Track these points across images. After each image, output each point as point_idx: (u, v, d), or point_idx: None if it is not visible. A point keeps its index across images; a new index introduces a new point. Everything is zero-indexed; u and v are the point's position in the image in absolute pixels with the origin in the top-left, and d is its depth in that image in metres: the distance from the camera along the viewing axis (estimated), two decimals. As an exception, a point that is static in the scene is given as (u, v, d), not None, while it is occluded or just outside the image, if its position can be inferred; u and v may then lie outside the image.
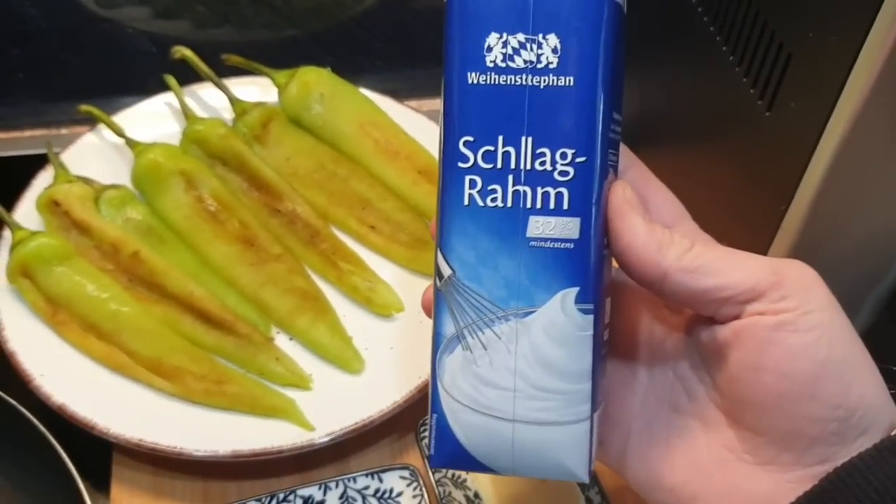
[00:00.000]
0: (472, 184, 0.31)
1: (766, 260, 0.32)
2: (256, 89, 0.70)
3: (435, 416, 0.33)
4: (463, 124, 0.31)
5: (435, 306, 0.32)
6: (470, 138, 0.31)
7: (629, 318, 0.37)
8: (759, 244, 0.51)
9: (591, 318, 0.31)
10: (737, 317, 0.31)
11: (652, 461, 0.35)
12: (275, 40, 0.78)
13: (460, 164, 0.31)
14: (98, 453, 0.55)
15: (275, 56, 0.70)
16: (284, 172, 0.65)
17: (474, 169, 0.31)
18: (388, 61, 0.78)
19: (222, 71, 0.68)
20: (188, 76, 0.68)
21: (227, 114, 0.68)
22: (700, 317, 0.34)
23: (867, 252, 0.50)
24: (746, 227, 0.54)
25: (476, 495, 0.52)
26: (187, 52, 0.67)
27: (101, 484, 0.55)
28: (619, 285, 0.35)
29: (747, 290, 0.31)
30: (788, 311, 0.30)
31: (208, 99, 0.70)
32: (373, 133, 0.66)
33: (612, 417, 0.36)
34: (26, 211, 0.62)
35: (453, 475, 0.53)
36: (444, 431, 0.33)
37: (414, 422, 0.55)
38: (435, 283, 0.32)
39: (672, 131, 0.67)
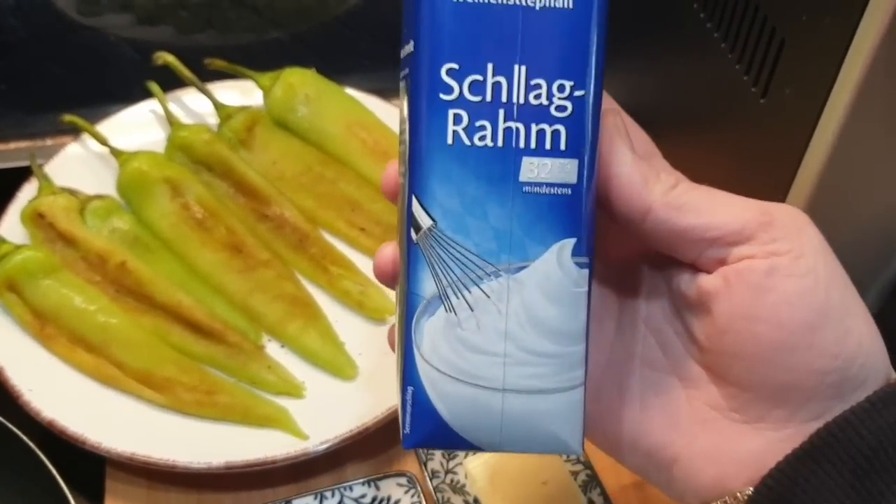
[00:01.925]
0: (457, 119, 0.27)
1: (755, 202, 0.29)
2: (241, 93, 0.68)
3: (410, 388, 0.29)
4: (446, 49, 0.27)
5: (409, 263, 0.28)
6: (454, 66, 0.27)
7: (600, 262, 0.33)
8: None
9: (586, 272, 0.28)
10: (722, 261, 0.29)
11: (625, 422, 0.32)
12: (259, 43, 0.77)
13: (443, 96, 0.27)
14: (91, 467, 0.54)
15: (260, 59, 0.69)
16: (271, 176, 0.64)
17: (459, 101, 0.27)
18: (375, 60, 0.77)
19: (206, 76, 0.67)
20: (172, 82, 0.67)
21: (213, 119, 0.67)
22: (678, 264, 0.31)
23: (869, 240, 0.49)
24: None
25: (476, 500, 0.51)
26: (170, 58, 0.66)
27: (95, 499, 0.54)
28: None
29: (735, 231, 0.29)
30: (781, 255, 0.28)
31: (193, 105, 0.69)
32: (360, 133, 0.65)
33: None
34: (11, 224, 0.61)
35: (451, 480, 0.52)
36: (422, 406, 0.29)
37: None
38: (408, 236, 0.28)
39: (662, 121, 0.66)
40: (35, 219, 0.60)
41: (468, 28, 0.26)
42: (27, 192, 0.64)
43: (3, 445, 0.51)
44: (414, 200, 0.28)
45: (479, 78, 0.27)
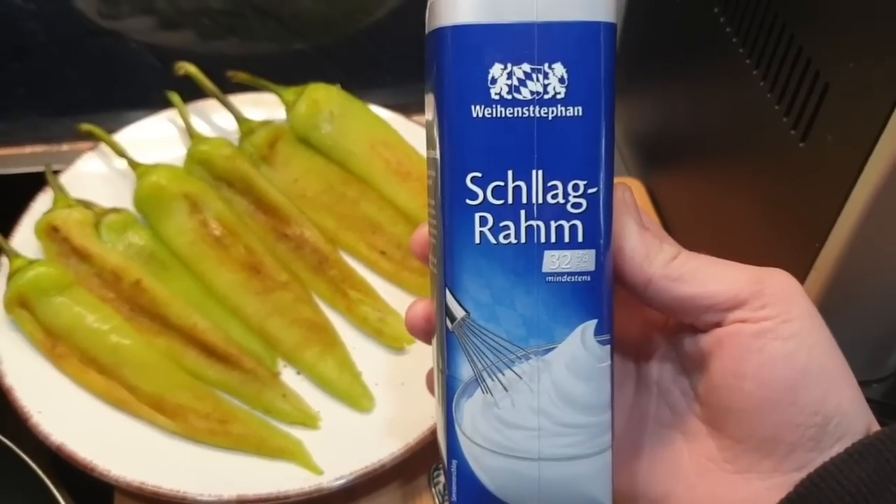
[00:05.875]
0: (483, 221, 0.30)
1: (749, 269, 0.32)
2: (262, 106, 0.67)
3: (455, 462, 0.32)
4: (469, 160, 0.29)
5: (447, 349, 0.31)
6: (478, 174, 0.29)
7: (620, 334, 0.36)
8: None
9: (608, 348, 0.31)
10: (718, 324, 0.32)
11: (635, 474, 0.35)
12: (282, 53, 0.76)
13: (469, 202, 0.30)
14: (101, 494, 0.53)
15: (282, 70, 0.68)
16: (292, 194, 0.63)
17: (484, 206, 0.30)
18: (399, 75, 0.76)
19: (228, 85, 0.65)
20: (193, 91, 0.66)
21: (234, 132, 0.65)
22: (682, 326, 0.34)
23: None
24: (776, 265, 0.51)
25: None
26: (191, 69, 0.64)
27: (103, 526, 0.53)
28: None
29: (729, 299, 0.31)
30: (769, 319, 0.31)
31: (214, 116, 0.68)
32: (384, 153, 0.64)
33: None
34: (25, 235, 0.60)
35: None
36: (466, 477, 0.32)
37: (426, 463, 0.53)
38: (444, 325, 0.31)
39: (696, 159, 0.64)
40: (49, 232, 0.59)
41: (488, 140, 0.29)
42: (42, 201, 0.62)
43: (9, 471, 0.50)
44: (447, 293, 0.30)
45: (501, 183, 0.29)
